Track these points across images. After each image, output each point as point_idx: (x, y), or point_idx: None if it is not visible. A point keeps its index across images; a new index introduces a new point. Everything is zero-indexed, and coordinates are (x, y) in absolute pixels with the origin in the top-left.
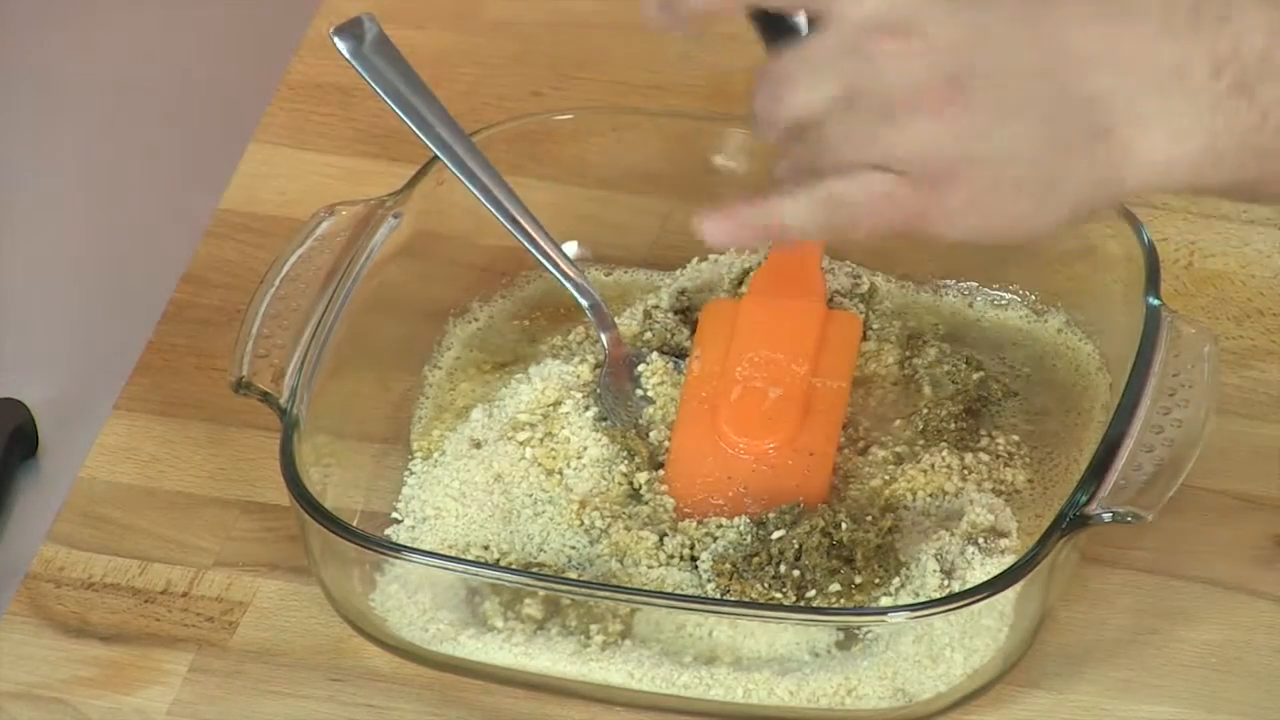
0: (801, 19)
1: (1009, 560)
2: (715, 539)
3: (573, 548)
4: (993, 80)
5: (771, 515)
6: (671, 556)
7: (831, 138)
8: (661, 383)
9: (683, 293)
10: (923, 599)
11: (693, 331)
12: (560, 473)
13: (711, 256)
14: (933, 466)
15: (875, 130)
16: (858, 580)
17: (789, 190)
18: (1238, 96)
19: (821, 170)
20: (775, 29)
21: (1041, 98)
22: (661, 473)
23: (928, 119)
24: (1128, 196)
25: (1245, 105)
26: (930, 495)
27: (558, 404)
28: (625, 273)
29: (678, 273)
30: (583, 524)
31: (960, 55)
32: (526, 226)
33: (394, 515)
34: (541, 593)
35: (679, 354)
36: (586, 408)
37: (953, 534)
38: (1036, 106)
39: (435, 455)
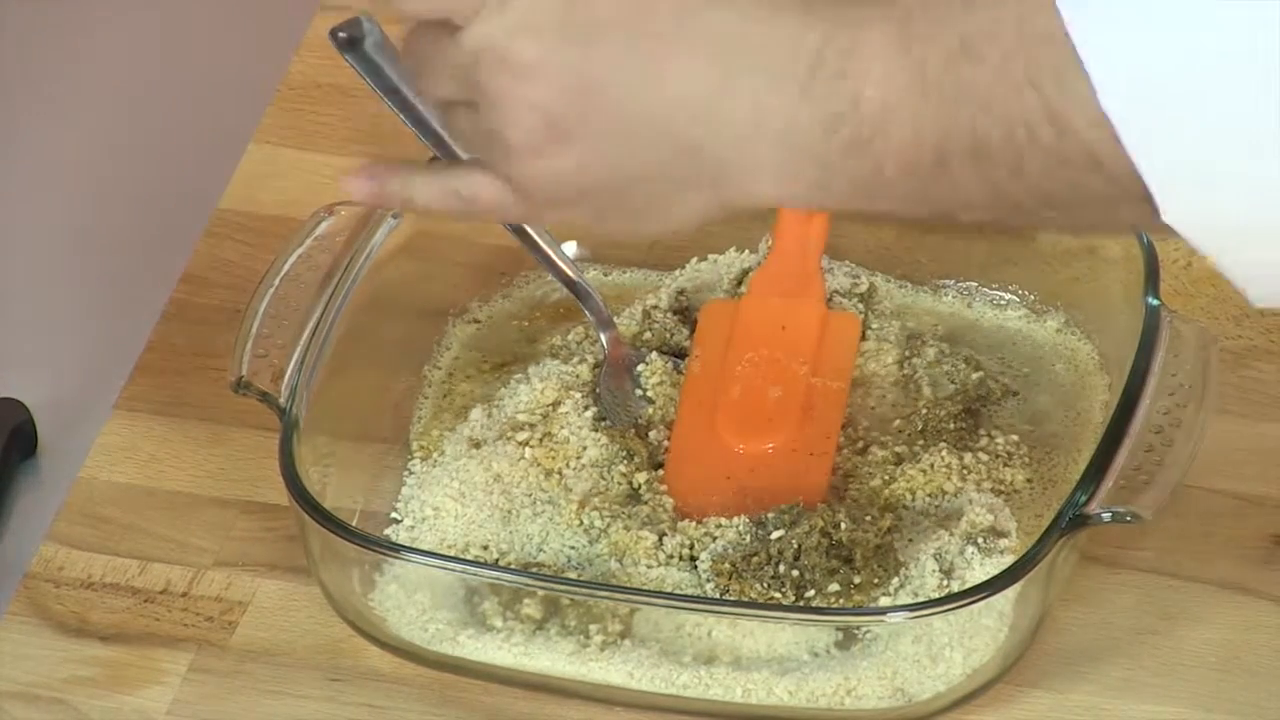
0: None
1: (1008, 560)
2: (714, 539)
3: (572, 548)
4: (598, 128)
5: (771, 515)
6: (671, 556)
7: (460, 128)
8: (661, 383)
9: (682, 293)
10: (922, 599)
11: (692, 331)
12: (559, 473)
13: (711, 257)
14: (932, 466)
15: (488, 145)
16: (857, 580)
17: (425, 171)
18: (851, 153)
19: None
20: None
21: (648, 141)
22: (661, 473)
23: (530, 160)
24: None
25: (858, 160)
26: (929, 495)
27: (557, 404)
28: (624, 273)
29: (677, 273)
30: (582, 524)
31: (567, 101)
32: (525, 226)
33: (393, 515)
34: (541, 593)
35: (678, 354)
36: (586, 408)
37: (952, 534)
38: (643, 150)
39: (434, 455)
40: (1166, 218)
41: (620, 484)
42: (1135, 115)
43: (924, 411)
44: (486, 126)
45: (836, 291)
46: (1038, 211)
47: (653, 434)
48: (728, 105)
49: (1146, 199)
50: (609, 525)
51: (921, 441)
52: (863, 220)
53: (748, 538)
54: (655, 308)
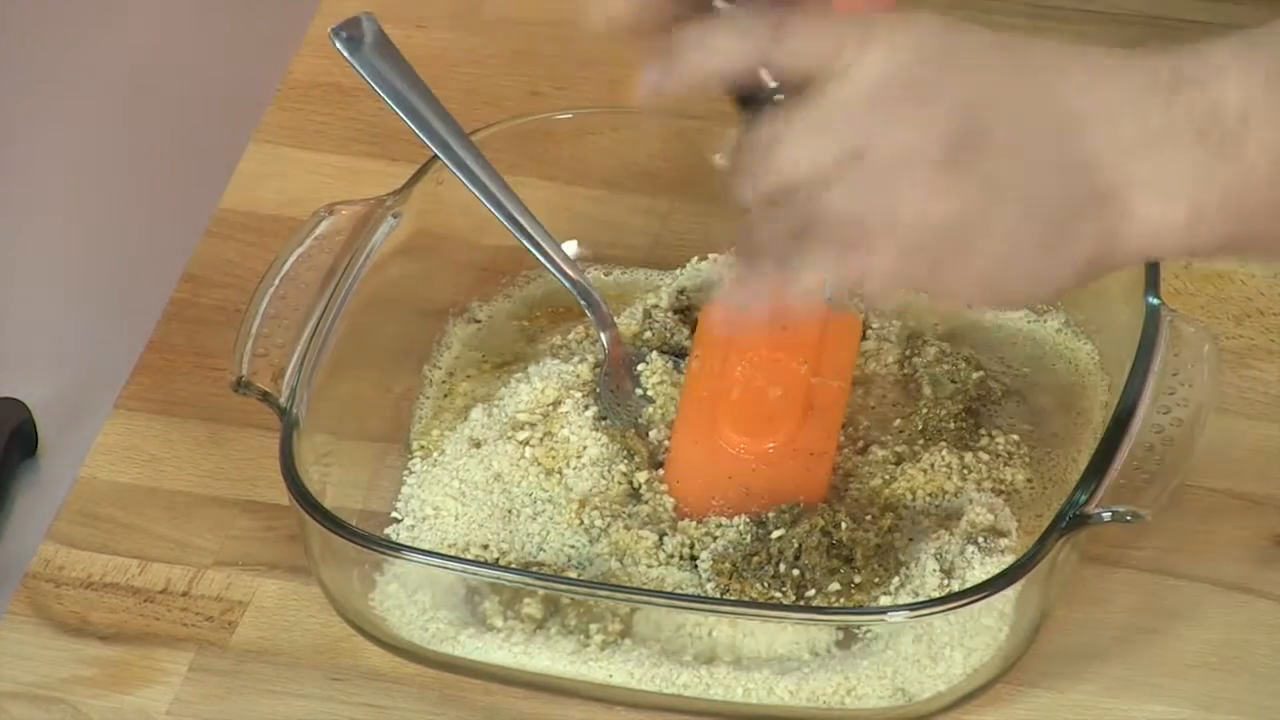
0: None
1: (1008, 560)
2: (715, 538)
3: (572, 547)
4: (1005, 138)
5: (771, 515)
6: (671, 556)
7: (832, 199)
8: (661, 382)
9: (682, 292)
10: (922, 598)
11: (692, 331)
12: (560, 472)
13: (711, 256)
14: (932, 466)
15: (886, 184)
16: (857, 580)
17: (813, 256)
18: (1220, 158)
19: (811, 234)
20: (753, 105)
21: (1048, 159)
22: (661, 472)
23: (932, 194)
24: (1120, 264)
25: (1232, 162)
26: (930, 495)
27: (557, 403)
28: (625, 272)
29: (677, 272)
30: (582, 523)
31: (974, 111)
32: (526, 226)
33: (393, 515)
34: (541, 592)
35: (679, 353)
36: (586, 407)
37: (952, 533)
38: (1045, 167)
39: (435, 454)
40: None
41: (620, 483)
42: None
43: (924, 411)
44: (883, 161)
45: None
46: None
47: (653, 433)
48: (1109, 118)
49: None
50: (609, 525)
51: (922, 441)
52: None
53: (748, 537)
54: (656, 307)
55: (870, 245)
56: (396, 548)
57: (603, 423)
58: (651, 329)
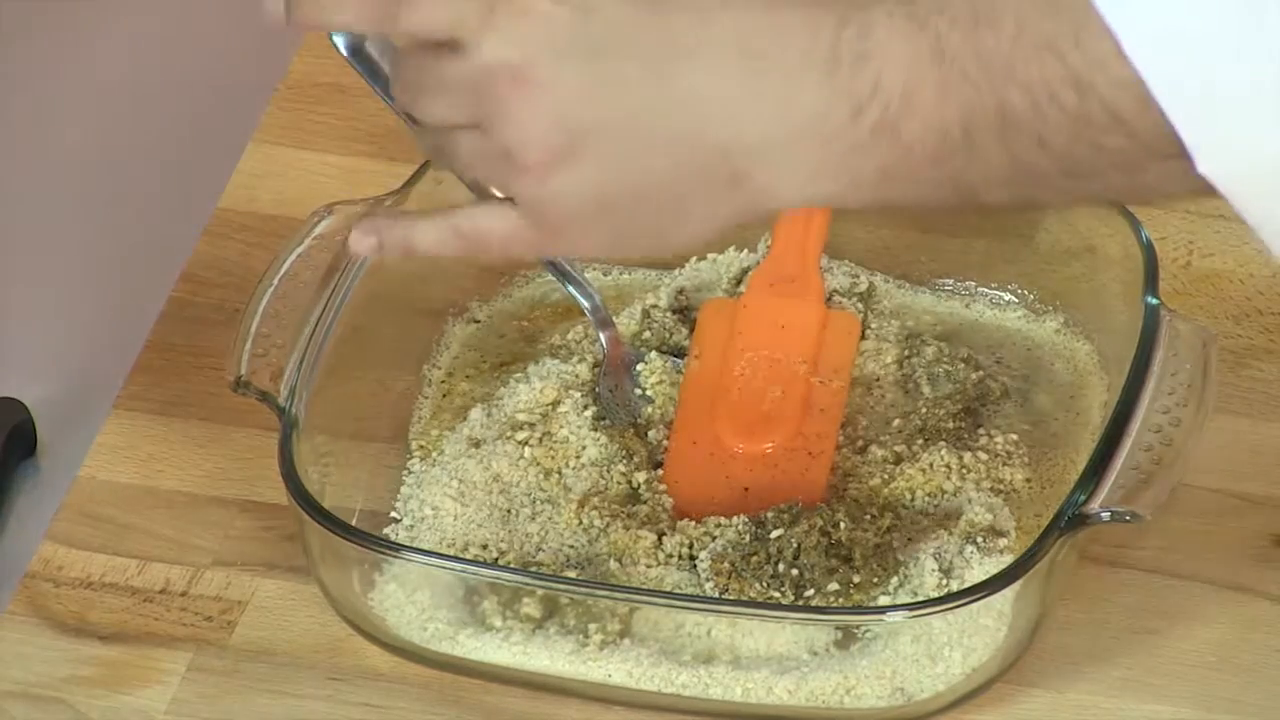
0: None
1: (1007, 559)
2: (714, 538)
3: (571, 547)
4: (615, 133)
5: (770, 514)
6: (670, 556)
7: (461, 153)
8: (660, 382)
9: (681, 292)
10: (921, 598)
11: (691, 331)
12: (559, 472)
13: (710, 256)
14: (931, 466)
15: (498, 167)
16: (856, 579)
17: (428, 215)
18: (880, 135)
19: (450, 165)
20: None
21: (670, 147)
22: (660, 472)
23: (545, 173)
24: (771, 214)
25: (888, 143)
26: (929, 494)
27: (556, 403)
28: (623, 272)
29: (676, 272)
30: (581, 523)
31: (581, 107)
32: None
33: (392, 515)
34: (540, 592)
35: (677, 353)
36: (585, 407)
37: (951, 533)
38: (664, 159)
39: (434, 455)
40: (1201, 168)
41: (619, 483)
42: (1164, 64)
43: (923, 411)
44: (495, 145)
45: (836, 291)
46: (1060, 182)
47: (652, 433)
48: (751, 102)
49: (1175, 155)
50: (608, 524)
51: (921, 441)
52: (888, 213)
53: (747, 537)
54: (655, 307)
55: (493, 217)
56: (395, 547)
57: (602, 423)
58: (650, 329)
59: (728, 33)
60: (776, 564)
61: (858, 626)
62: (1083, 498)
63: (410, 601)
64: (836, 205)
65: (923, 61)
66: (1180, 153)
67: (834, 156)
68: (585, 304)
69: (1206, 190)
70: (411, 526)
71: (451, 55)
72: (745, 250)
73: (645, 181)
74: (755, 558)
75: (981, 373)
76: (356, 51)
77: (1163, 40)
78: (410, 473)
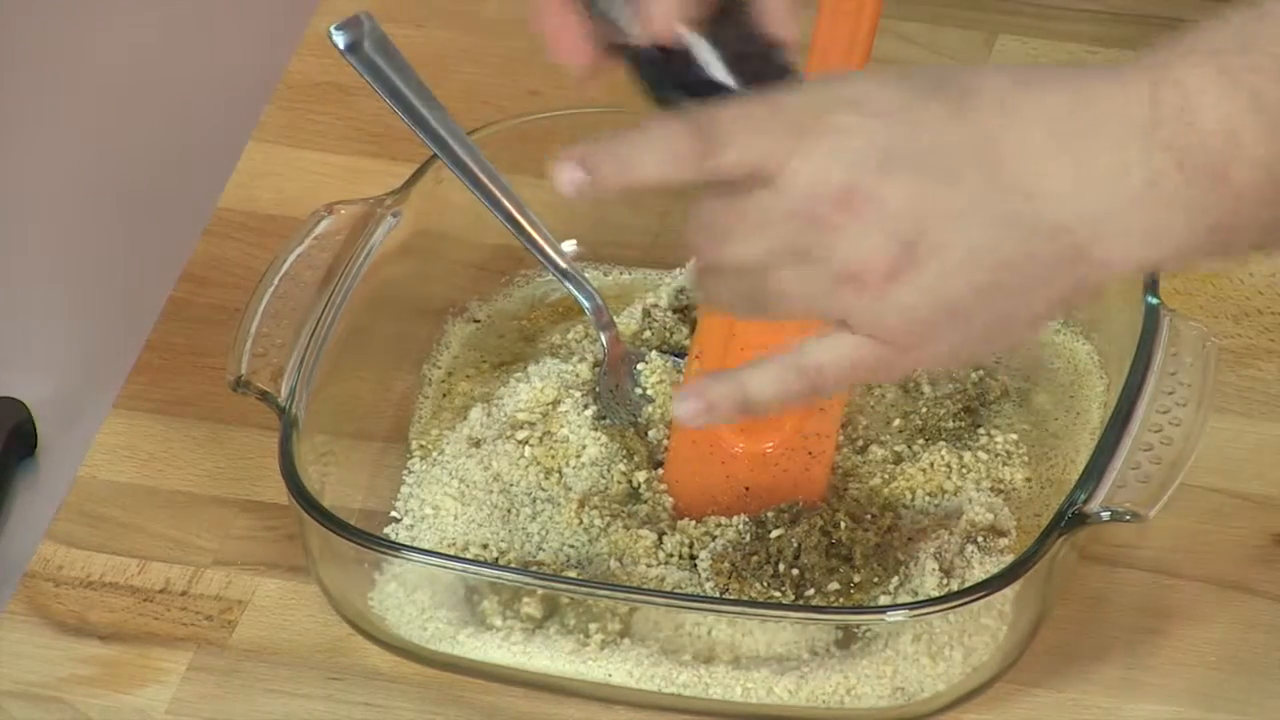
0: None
1: (1008, 559)
2: (714, 538)
3: (571, 546)
4: (953, 230)
5: (770, 514)
6: (670, 555)
7: (786, 291)
8: (660, 381)
9: (682, 291)
10: (921, 598)
11: (692, 330)
12: (559, 471)
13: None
14: (931, 465)
15: (833, 294)
16: (856, 579)
17: (761, 365)
18: (1211, 189)
19: (773, 309)
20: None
21: (1007, 240)
22: (660, 472)
23: (888, 287)
24: (1104, 289)
25: (1219, 191)
26: (929, 494)
27: (557, 403)
28: (624, 271)
29: (677, 271)
30: (581, 523)
31: (915, 212)
32: (525, 225)
33: (393, 514)
34: (540, 591)
35: (678, 353)
36: (585, 406)
37: (951, 533)
38: (1003, 250)
39: (434, 454)
40: None
41: (620, 483)
42: None
43: (923, 410)
44: (829, 271)
45: None
46: None
47: (652, 433)
48: (1083, 175)
49: None
50: (608, 524)
51: (921, 440)
52: (1222, 262)
53: (747, 537)
54: (655, 306)
55: (833, 349)
56: (396, 547)
57: (602, 422)
58: (651, 328)
59: (1039, 108)
60: (777, 564)
61: (858, 626)
62: (1083, 497)
63: (410, 601)
64: (1174, 265)
65: (1242, 111)
66: None
67: (1171, 216)
68: (586, 304)
69: None
70: (412, 526)
71: (761, 190)
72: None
73: (988, 278)
74: (755, 557)
75: (981, 372)
76: (356, 50)
77: None
78: (410, 472)
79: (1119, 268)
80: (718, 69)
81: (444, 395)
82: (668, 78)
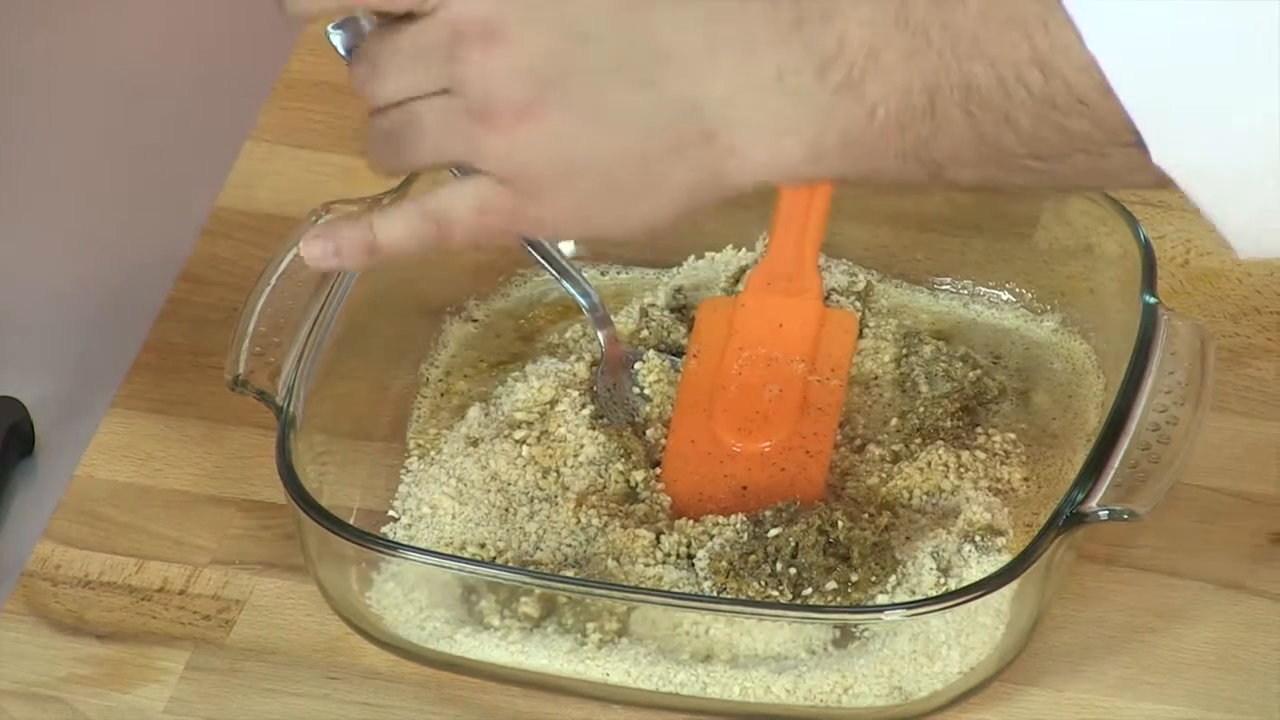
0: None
1: (1005, 558)
2: (712, 537)
3: (569, 546)
4: (586, 86)
5: (768, 513)
6: (668, 554)
7: (424, 125)
8: (658, 381)
9: (679, 291)
10: (919, 597)
11: (689, 329)
12: (557, 471)
13: (708, 255)
14: (929, 464)
15: (466, 130)
16: (854, 578)
17: (386, 208)
18: (843, 96)
19: (409, 149)
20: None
21: (639, 103)
22: (658, 471)
23: (517, 127)
24: (737, 191)
25: (851, 105)
26: (927, 493)
27: (554, 402)
28: (621, 271)
29: (674, 271)
30: (579, 522)
31: (552, 60)
32: None
33: (390, 513)
34: (538, 591)
35: (675, 352)
36: (583, 406)
37: (949, 532)
38: (634, 112)
39: (432, 453)
40: (1156, 159)
41: (618, 482)
42: (1123, 55)
43: (921, 409)
44: (463, 106)
45: (834, 289)
46: (1028, 164)
47: (650, 432)
48: (718, 56)
49: (1136, 144)
50: (606, 523)
51: (919, 439)
52: (851, 184)
53: (745, 536)
54: (653, 306)
55: (461, 194)
56: (393, 546)
57: (600, 421)
58: (648, 328)
59: (694, 5)
60: (774, 563)
61: (856, 625)
62: (1080, 496)
63: (408, 600)
64: (803, 174)
65: (887, 25)
66: (1140, 142)
67: (799, 114)
68: (583, 303)
69: (1167, 182)
70: (409, 525)
71: (415, 23)
72: (743, 249)
73: (614, 139)
74: (753, 556)
75: (979, 371)
76: (355, 48)
77: (1122, 29)
78: (408, 471)
79: (752, 162)
80: None
81: (442, 394)
82: None
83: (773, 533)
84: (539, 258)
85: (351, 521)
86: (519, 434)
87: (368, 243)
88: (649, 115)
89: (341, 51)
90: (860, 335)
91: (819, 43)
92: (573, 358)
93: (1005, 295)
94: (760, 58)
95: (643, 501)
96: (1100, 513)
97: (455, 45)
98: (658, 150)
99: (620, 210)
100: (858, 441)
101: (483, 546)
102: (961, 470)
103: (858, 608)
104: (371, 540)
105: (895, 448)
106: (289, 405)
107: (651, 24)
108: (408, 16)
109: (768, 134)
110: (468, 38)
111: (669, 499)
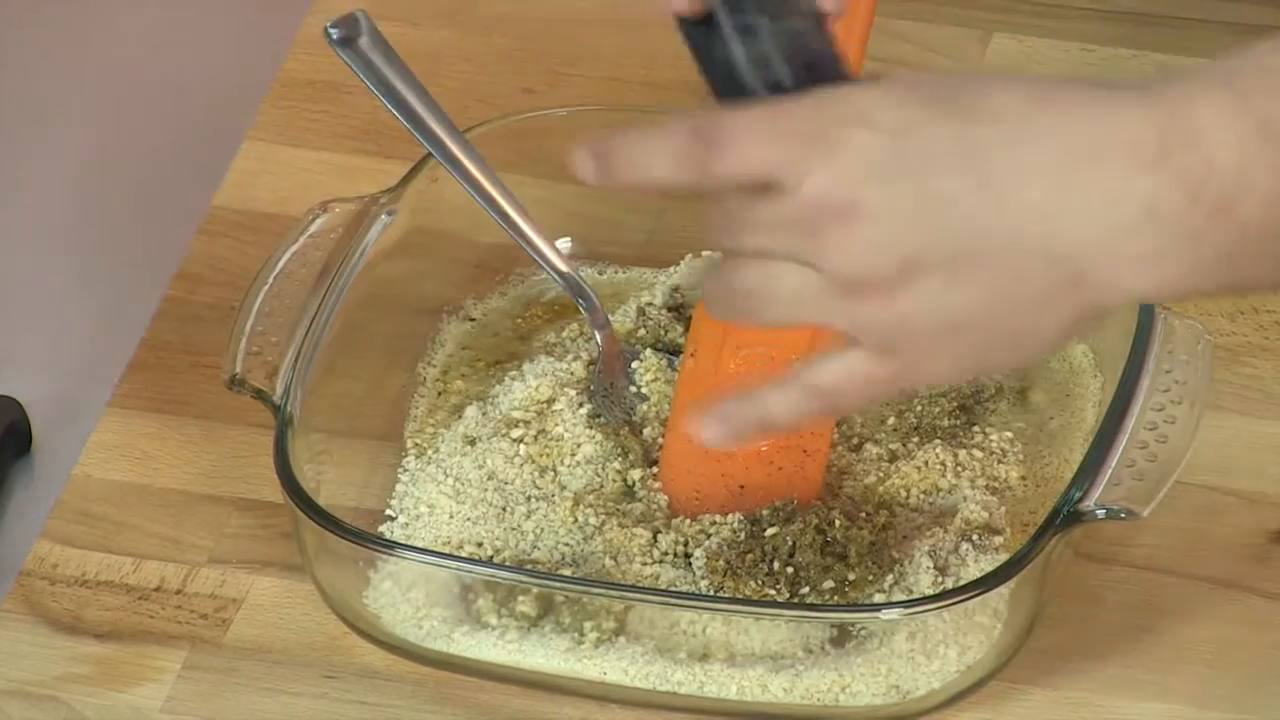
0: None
1: (1003, 557)
2: (709, 536)
3: (566, 545)
4: (954, 251)
5: (765, 512)
6: (665, 554)
7: (783, 289)
8: (655, 380)
9: (676, 289)
10: (916, 596)
11: (686, 329)
12: (554, 470)
13: (705, 253)
14: (926, 463)
15: (833, 302)
16: (851, 577)
17: (774, 387)
18: (1217, 219)
19: (764, 310)
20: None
21: (1008, 261)
22: (655, 470)
23: (893, 299)
24: (1113, 313)
25: (1224, 225)
26: (924, 492)
27: (552, 401)
28: (619, 270)
29: (671, 270)
30: (576, 521)
31: (916, 231)
32: (520, 223)
33: (388, 512)
34: (535, 590)
35: (673, 351)
36: (580, 405)
37: (946, 530)
38: (1003, 271)
39: (429, 452)
40: None
41: (615, 481)
42: None
43: (918, 408)
44: (830, 281)
45: None
46: None
47: (647, 431)
48: (1081, 199)
49: None
50: (603, 522)
51: (916, 438)
52: (1227, 296)
53: (742, 535)
54: (650, 305)
55: (846, 367)
56: (391, 545)
57: (597, 420)
58: (646, 326)
59: (1048, 132)
60: (772, 562)
61: (853, 624)
62: (1078, 495)
63: (405, 599)
64: (1179, 293)
65: (1250, 143)
66: None
67: (1173, 244)
68: (581, 302)
69: None
70: (406, 524)
71: (771, 197)
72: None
73: (990, 295)
74: (750, 555)
75: None
76: (351, 48)
77: None
78: (405, 470)
79: (1127, 291)
80: (742, 62)
81: (439, 393)
82: (705, 60)
83: (770, 532)
84: (536, 257)
85: (348, 520)
86: (516, 433)
87: (763, 422)
88: (1020, 270)
89: (338, 50)
90: None
91: (1187, 171)
92: (570, 357)
93: None
94: (1128, 194)
95: (640, 500)
96: (1097, 511)
97: (814, 224)
98: (1029, 301)
99: (1007, 356)
100: (855, 440)
101: (480, 545)
102: (959, 469)
103: (855, 606)
104: (369, 539)
105: (892, 446)
106: (286, 404)
107: (1014, 180)
108: (765, 187)
109: (1141, 267)
110: (826, 217)
111: (666, 498)
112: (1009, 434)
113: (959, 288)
